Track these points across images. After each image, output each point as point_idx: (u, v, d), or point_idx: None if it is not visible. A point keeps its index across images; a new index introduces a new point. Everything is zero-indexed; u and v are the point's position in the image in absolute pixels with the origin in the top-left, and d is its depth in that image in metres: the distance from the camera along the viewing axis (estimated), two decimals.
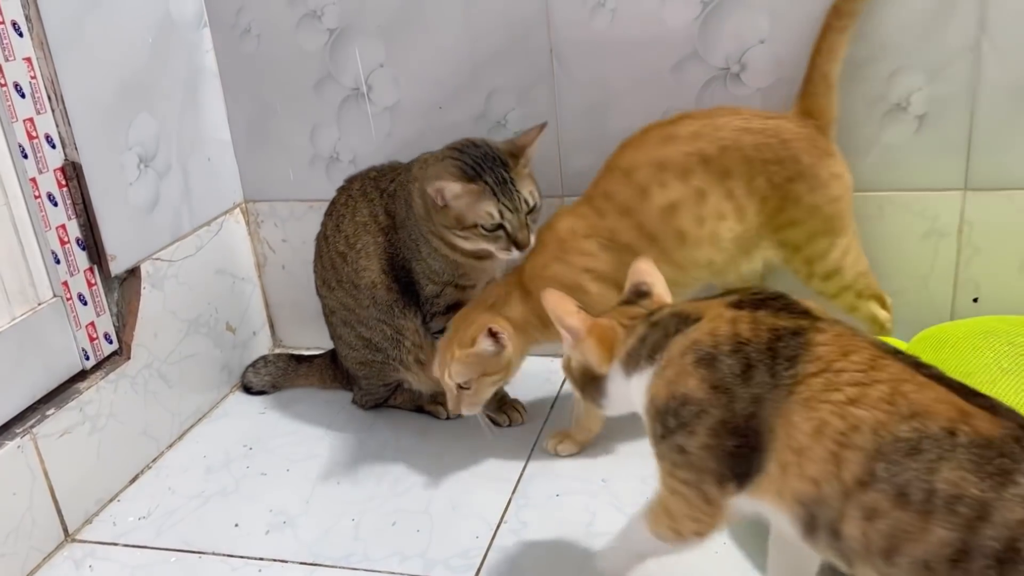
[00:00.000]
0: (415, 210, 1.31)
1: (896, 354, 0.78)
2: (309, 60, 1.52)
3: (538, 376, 1.52)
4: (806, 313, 0.84)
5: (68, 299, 1.29)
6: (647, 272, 1.02)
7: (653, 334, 0.90)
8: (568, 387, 1.51)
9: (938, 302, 1.39)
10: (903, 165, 1.33)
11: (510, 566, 1.14)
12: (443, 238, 1.28)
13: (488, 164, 1.22)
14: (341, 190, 1.44)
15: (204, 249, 1.56)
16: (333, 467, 1.38)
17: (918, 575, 0.69)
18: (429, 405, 1.48)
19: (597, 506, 1.22)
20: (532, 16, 1.39)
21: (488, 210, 1.20)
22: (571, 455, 1.34)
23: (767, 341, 0.81)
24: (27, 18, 1.21)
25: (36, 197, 1.24)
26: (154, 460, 1.45)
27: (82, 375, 1.33)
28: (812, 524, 0.77)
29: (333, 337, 1.50)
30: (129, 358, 1.39)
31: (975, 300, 1.38)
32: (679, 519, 0.89)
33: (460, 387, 1.23)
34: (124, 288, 1.41)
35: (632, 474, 1.27)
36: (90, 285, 1.33)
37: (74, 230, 1.30)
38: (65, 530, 1.28)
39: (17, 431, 1.21)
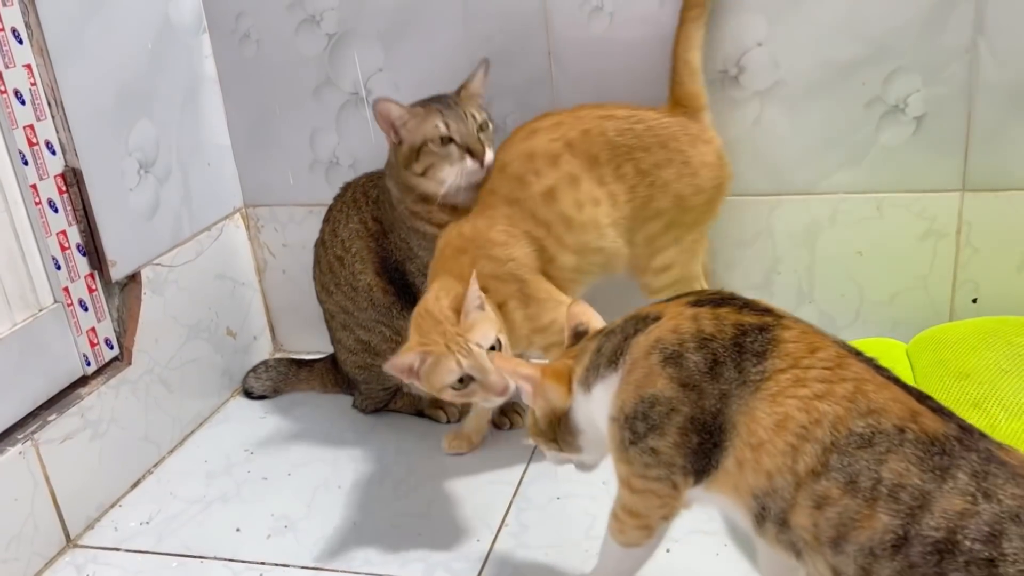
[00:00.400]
0: (392, 198, 1.34)
1: (857, 354, 0.80)
2: (308, 65, 1.53)
3: None
4: (768, 311, 0.85)
5: (69, 305, 1.29)
6: (581, 313, 1.03)
7: (609, 341, 0.90)
8: None
9: (937, 303, 1.39)
10: (901, 166, 1.33)
11: (511, 569, 1.14)
12: (417, 202, 1.29)
13: (433, 98, 1.29)
14: (338, 197, 1.47)
15: (204, 254, 1.56)
16: (334, 471, 1.38)
17: (863, 562, 0.71)
18: (429, 409, 1.49)
19: (598, 509, 1.22)
20: (530, 19, 1.40)
21: (434, 123, 1.24)
22: (460, 454, 1.37)
23: (732, 337, 0.81)
24: (27, 25, 1.22)
25: (36, 203, 1.24)
26: (155, 465, 1.45)
27: (83, 381, 1.33)
28: (762, 516, 0.78)
29: (333, 341, 1.51)
30: (130, 363, 1.39)
31: (974, 301, 1.38)
32: (649, 514, 0.90)
33: (493, 348, 1.14)
34: (125, 293, 1.41)
35: None
36: (91, 291, 1.34)
37: (75, 236, 1.30)
38: (67, 536, 1.28)
39: (19, 437, 1.21)
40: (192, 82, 1.53)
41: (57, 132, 1.27)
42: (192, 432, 1.53)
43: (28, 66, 1.22)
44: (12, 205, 1.23)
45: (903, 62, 1.28)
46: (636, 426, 0.85)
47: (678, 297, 0.90)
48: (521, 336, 1.23)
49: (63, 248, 1.28)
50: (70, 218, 1.29)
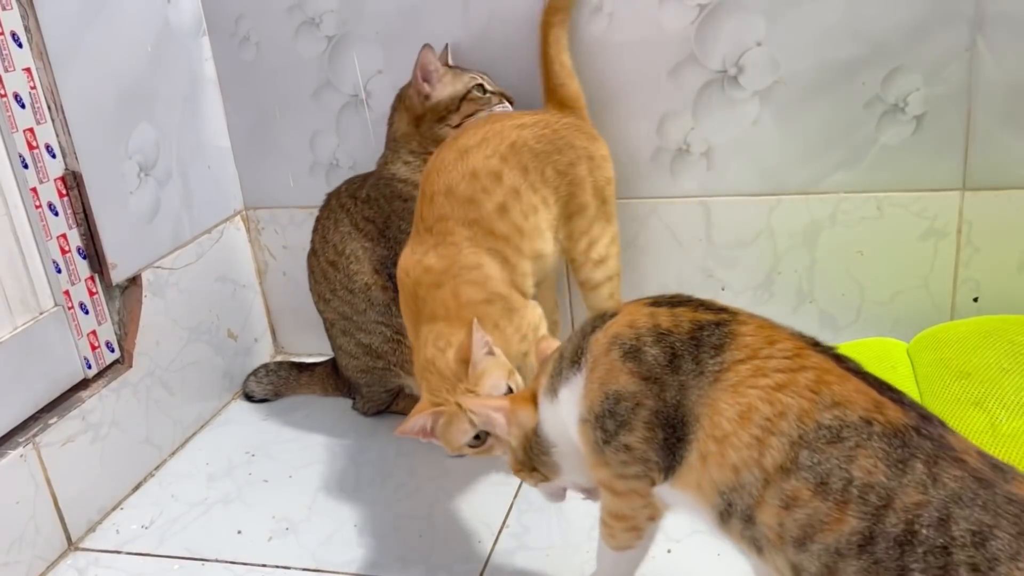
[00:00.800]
0: (395, 188, 1.37)
1: (815, 345, 0.80)
2: (308, 67, 1.53)
3: None
4: (724, 309, 0.85)
5: (69, 308, 1.30)
6: (547, 348, 1.02)
7: (570, 343, 0.90)
8: None
9: (938, 302, 1.39)
10: (901, 166, 1.33)
11: (512, 570, 1.14)
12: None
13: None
14: (322, 207, 1.47)
15: (205, 257, 1.56)
16: (335, 473, 1.38)
17: (828, 560, 0.70)
18: None
19: (599, 511, 1.22)
20: (530, 20, 1.39)
21: (471, 75, 1.35)
22: (462, 455, 1.35)
23: (689, 331, 0.81)
24: (26, 28, 1.22)
25: (37, 207, 1.24)
26: (157, 468, 1.45)
27: (84, 384, 1.33)
28: (728, 512, 0.77)
29: (334, 348, 1.51)
30: (131, 366, 1.39)
31: (975, 300, 1.38)
32: (635, 515, 0.90)
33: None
34: (125, 296, 1.41)
35: None
36: (91, 294, 1.34)
37: (75, 239, 1.30)
38: (68, 539, 1.28)
39: (20, 440, 1.21)
40: (192, 85, 1.53)
41: (57, 135, 1.27)
42: (193, 435, 1.53)
43: (28, 70, 1.22)
44: (12, 209, 1.23)
45: (902, 61, 1.28)
46: (606, 424, 0.84)
47: (635, 301, 0.90)
48: (513, 351, 1.20)
49: (63, 251, 1.28)
50: (70, 221, 1.30)
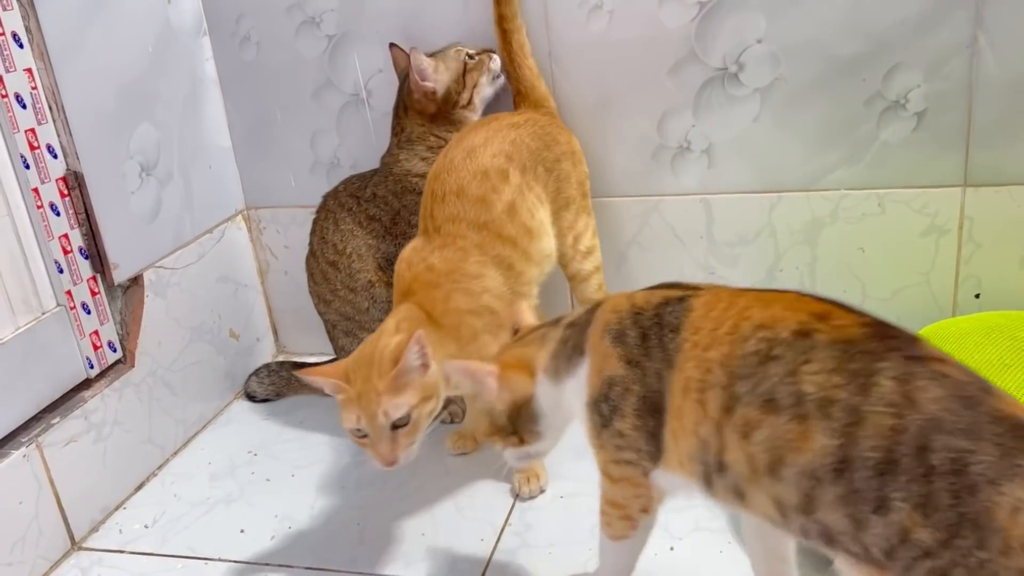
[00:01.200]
0: (404, 183, 1.38)
1: (756, 291, 0.80)
2: (308, 67, 1.53)
3: None
4: (696, 287, 0.85)
5: (72, 308, 1.30)
6: (516, 312, 1.06)
7: (573, 331, 0.91)
8: None
9: (940, 298, 1.39)
10: (902, 162, 1.33)
11: (515, 568, 1.14)
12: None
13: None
14: (319, 208, 1.47)
15: (206, 256, 1.56)
16: (337, 472, 1.39)
17: (806, 487, 0.70)
18: None
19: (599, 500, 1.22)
20: (531, 18, 1.40)
21: (455, 49, 1.38)
22: (465, 453, 1.37)
23: (655, 308, 0.83)
24: (27, 29, 1.22)
25: (39, 207, 1.24)
26: (159, 467, 1.45)
27: (86, 384, 1.33)
28: (707, 476, 0.78)
29: (336, 350, 1.51)
30: (133, 366, 1.40)
31: (977, 296, 1.38)
32: (628, 504, 0.91)
33: (395, 427, 1.08)
34: (127, 296, 1.41)
35: None
36: (93, 294, 1.34)
37: (77, 239, 1.31)
38: (72, 538, 1.28)
39: (23, 440, 1.21)
40: (193, 85, 1.53)
41: (58, 136, 1.27)
42: (196, 434, 1.53)
43: (29, 70, 1.22)
44: (14, 209, 1.23)
45: (903, 58, 1.28)
46: (602, 409, 0.86)
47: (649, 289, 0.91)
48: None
49: (65, 251, 1.29)
50: (72, 221, 1.30)
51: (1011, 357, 1.12)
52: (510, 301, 1.20)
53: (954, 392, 0.66)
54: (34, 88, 1.23)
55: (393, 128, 1.43)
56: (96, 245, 1.33)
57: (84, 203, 1.31)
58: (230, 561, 1.22)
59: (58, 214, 1.27)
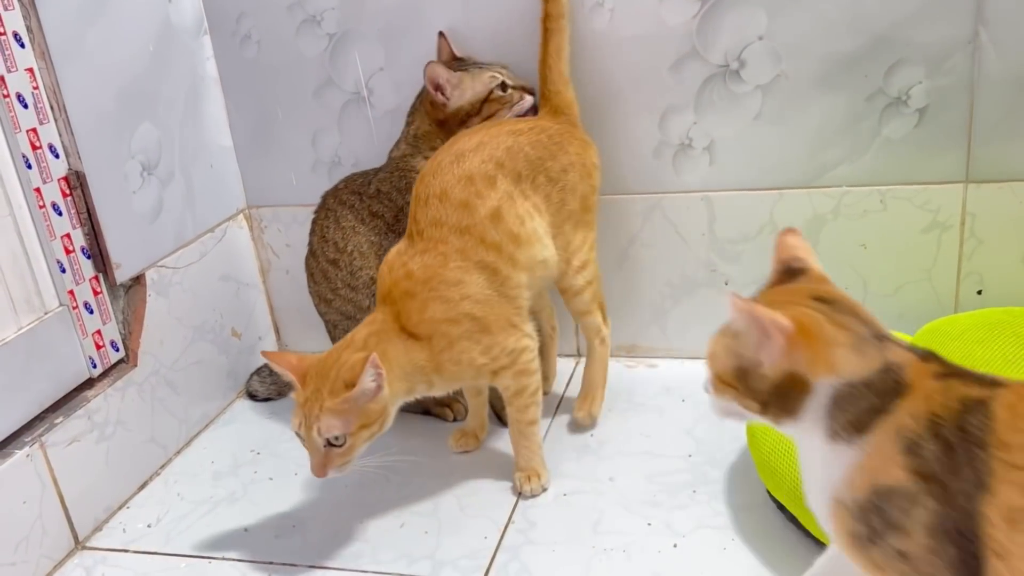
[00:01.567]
0: (409, 181, 1.36)
1: None
2: (309, 65, 1.53)
3: None
4: (994, 382, 0.72)
5: (74, 308, 1.30)
6: (797, 246, 0.83)
7: (868, 395, 0.73)
8: (571, 389, 1.51)
9: (942, 295, 1.39)
10: (904, 158, 1.33)
11: (518, 566, 1.14)
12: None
13: (456, 65, 1.37)
14: (319, 208, 1.46)
15: (208, 255, 1.56)
16: None
17: None
18: (435, 407, 1.49)
19: (605, 505, 1.23)
20: (530, 16, 1.39)
21: (490, 75, 1.34)
22: (467, 451, 1.38)
23: (957, 414, 0.69)
24: (28, 29, 1.22)
25: (41, 207, 1.24)
26: (162, 467, 1.45)
27: (89, 383, 1.34)
28: None
29: None
30: (136, 365, 1.40)
31: (979, 292, 1.38)
32: None
33: (330, 444, 1.10)
34: (129, 296, 1.41)
35: (639, 473, 1.28)
36: (96, 293, 1.34)
37: (79, 239, 1.31)
38: (75, 538, 1.28)
39: (26, 440, 1.22)
40: (194, 84, 1.53)
41: (60, 135, 1.27)
42: (198, 433, 1.54)
43: (30, 70, 1.22)
44: (16, 209, 1.23)
45: (905, 54, 1.28)
46: (871, 520, 0.71)
47: (926, 356, 0.75)
48: (478, 368, 1.20)
49: (67, 251, 1.29)
50: (74, 221, 1.30)
51: (1014, 352, 1.12)
52: (497, 303, 1.19)
53: None
54: (35, 88, 1.23)
55: (407, 119, 1.43)
56: (98, 245, 1.33)
57: (86, 203, 1.31)
58: (233, 560, 1.22)
59: (60, 214, 1.27)
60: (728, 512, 1.18)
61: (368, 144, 1.55)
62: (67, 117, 1.27)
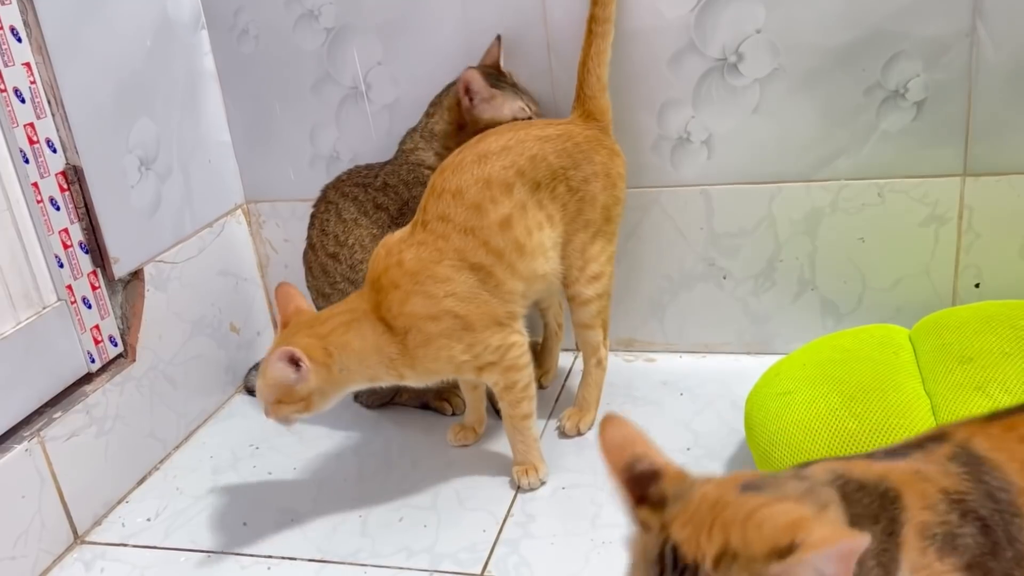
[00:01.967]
0: (420, 174, 1.36)
1: None
2: (307, 60, 1.53)
3: None
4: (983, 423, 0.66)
5: (72, 303, 1.30)
6: (634, 440, 0.67)
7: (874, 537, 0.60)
8: (571, 381, 1.51)
9: (940, 288, 1.39)
10: (902, 152, 1.33)
11: (517, 559, 1.14)
12: None
13: (492, 75, 1.35)
14: (318, 201, 1.46)
15: (206, 250, 1.56)
16: (339, 465, 1.39)
17: None
18: (435, 402, 1.49)
19: (603, 498, 1.23)
20: (529, 11, 1.40)
21: (520, 105, 1.34)
22: (466, 445, 1.38)
23: (974, 482, 0.62)
24: (25, 23, 1.22)
25: (38, 202, 1.24)
26: (161, 461, 1.45)
27: (88, 378, 1.34)
28: None
29: None
30: (134, 360, 1.40)
31: (976, 285, 1.38)
32: None
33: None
34: (128, 291, 1.41)
35: None
36: (94, 288, 1.34)
37: (77, 234, 1.31)
38: (75, 532, 1.29)
39: (25, 435, 1.22)
40: (191, 79, 1.53)
41: (57, 130, 1.27)
42: (197, 428, 1.54)
43: (27, 64, 1.22)
44: (14, 203, 1.23)
45: (903, 47, 1.28)
46: None
47: (903, 451, 0.67)
48: (459, 365, 1.20)
49: (65, 246, 1.29)
50: (72, 216, 1.30)
51: (1011, 346, 1.13)
52: (485, 301, 1.18)
53: None
54: (33, 82, 1.23)
55: (428, 109, 1.41)
56: (96, 239, 1.33)
57: (84, 197, 1.31)
58: (233, 554, 1.22)
59: (58, 208, 1.27)
60: None
61: (366, 138, 1.55)
62: (64, 112, 1.27)
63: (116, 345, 1.38)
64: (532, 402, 1.26)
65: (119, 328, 1.39)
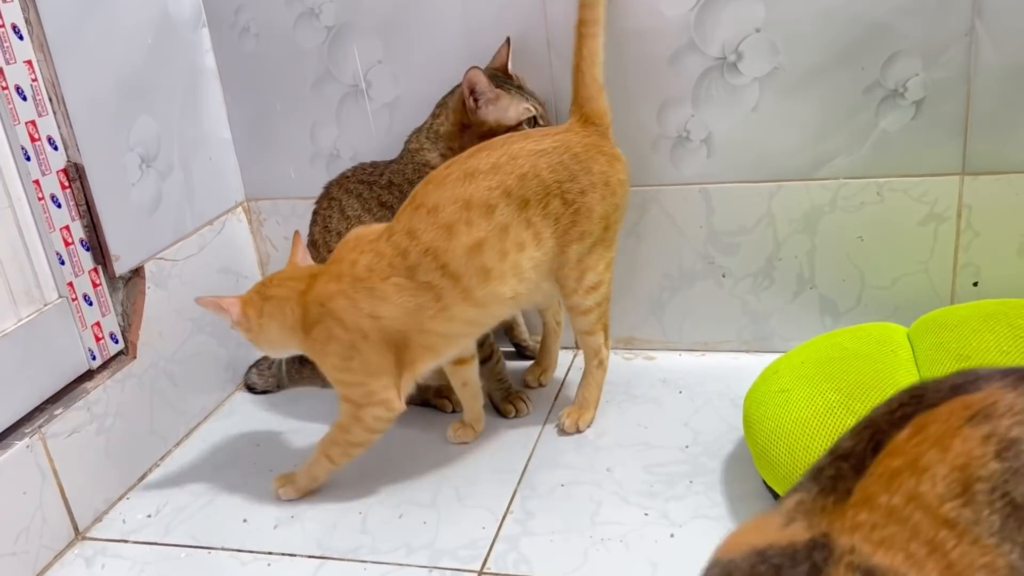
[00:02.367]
0: (432, 159, 1.37)
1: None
2: (308, 58, 1.53)
3: None
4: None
5: (73, 300, 1.30)
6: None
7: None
8: (570, 377, 1.52)
9: (938, 287, 1.40)
10: (901, 151, 1.34)
11: (516, 556, 1.14)
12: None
13: (498, 78, 1.35)
14: (320, 197, 1.46)
15: (207, 248, 1.57)
16: None
17: None
18: (435, 399, 1.49)
19: (603, 496, 1.23)
20: (529, 9, 1.40)
21: (526, 106, 1.33)
22: (465, 442, 1.38)
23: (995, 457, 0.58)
24: (27, 21, 1.22)
25: (40, 199, 1.25)
26: (162, 458, 1.46)
27: (89, 375, 1.34)
28: None
29: None
30: (135, 357, 1.40)
31: (975, 284, 1.38)
32: None
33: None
34: (128, 288, 1.41)
35: (637, 463, 1.28)
36: (95, 285, 1.34)
37: (78, 231, 1.31)
38: (75, 528, 1.29)
39: (26, 431, 1.22)
40: (192, 77, 1.54)
41: (59, 127, 1.27)
42: (198, 425, 1.54)
43: (29, 62, 1.22)
44: (15, 201, 1.23)
45: (902, 46, 1.28)
46: None
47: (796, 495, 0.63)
48: (331, 378, 1.24)
49: (66, 243, 1.29)
50: (73, 213, 1.30)
51: (1009, 344, 1.13)
52: (395, 347, 1.19)
53: None
54: (34, 80, 1.23)
55: (434, 109, 1.41)
56: (97, 237, 1.33)
57: (85, 195, 1.31)
58: (233, 550, 1.23)
59: (59, 206, 1.28)
60: (725, 502, 1.18)
61: (366, 137, 1.55)
62: (66, 109, 1.27)
63: (117, 342, 1.39)
64: (347, 458, 1.28)
65: (120, 325, 1.40)
